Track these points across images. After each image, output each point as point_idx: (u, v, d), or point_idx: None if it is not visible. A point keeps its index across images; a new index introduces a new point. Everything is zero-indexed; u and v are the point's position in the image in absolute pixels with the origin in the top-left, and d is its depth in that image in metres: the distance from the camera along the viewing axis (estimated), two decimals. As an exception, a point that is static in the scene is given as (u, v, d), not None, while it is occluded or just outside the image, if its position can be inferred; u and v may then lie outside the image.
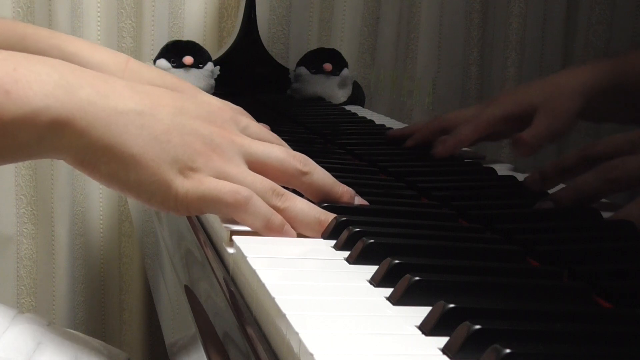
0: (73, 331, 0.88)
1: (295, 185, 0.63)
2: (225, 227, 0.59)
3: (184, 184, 0.58)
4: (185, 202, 0.58)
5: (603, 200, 0.74)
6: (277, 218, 0.59)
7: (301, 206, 0.61)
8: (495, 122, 0.91)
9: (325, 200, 0.64)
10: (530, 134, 0.85)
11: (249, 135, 0.64)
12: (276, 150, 0.63)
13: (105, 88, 0.58)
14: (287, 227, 0.59)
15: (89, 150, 0.57)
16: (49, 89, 0.55)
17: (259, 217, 0.58)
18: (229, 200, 0.58)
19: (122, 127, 0.57)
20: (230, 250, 0.57)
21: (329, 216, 0.60)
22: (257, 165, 0.61)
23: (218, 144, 0.60)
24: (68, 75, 0.57)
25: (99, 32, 1.59)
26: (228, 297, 0.53)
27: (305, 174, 0.63)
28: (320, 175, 0.64)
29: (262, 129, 0.68)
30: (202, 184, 0.58)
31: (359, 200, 0.66)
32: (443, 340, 0.41)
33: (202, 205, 0.59)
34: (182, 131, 0.59)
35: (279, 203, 0.60)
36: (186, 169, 0.58)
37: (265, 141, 0.64)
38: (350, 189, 0.66)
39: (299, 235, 0.60)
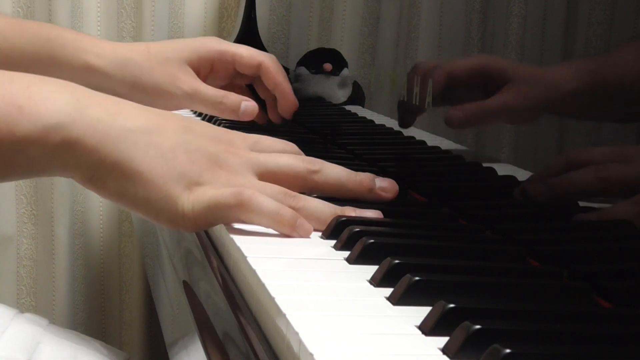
0: (73, 331, 0.88)
1: (310, 186, 0.63)
2: (224, 226, 0.59)
3: (190, 198, 0.58)
4: (192, 216, 0.58)
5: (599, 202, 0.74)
6: (287, 211, 0.58)
7: (315, 204, 0.60)
8: (467, 71, 0.88)
9: (345, 193, 0.63)
10: (470, 109, 0.83)
11: (261, 149, 0.64)
12: (283, 157, 0.63)
13: (114, 107, 0.59)
14: (301, 220, 0.58)
15: (98, 168, 0.57)
16: (60, 106, 0.57)
17: (265, 213, 0.58)
18: (231, 202, 0.57)
19: (131, 145, 0.58)
20: (231, 250, 0.57)
21: (345, 210, 0.61)
22: (268, 176, 0.61)
23: (224, 160, 0.60)
24: (79, 94, 0.59)
25: (99, 32, 1.58)
26: (228, 297, 0.53)
27: (315, 172, 0.63)
28: (332, 170, 0.64)
29: (274, 140, 0.67)
30: (205, 194, 0.58)
31: (380, 182, 0.65)
32: (443, 340, 0.41)
33: (208, 216, 0.58)
34: (188, 148, 0.59)
35: (292, 203, 0.60)
36: (193, 185, 0.58)
37: (278, 151, 0.64)
38: (369, 173, 0.64)
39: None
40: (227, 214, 0.58)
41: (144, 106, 0.62)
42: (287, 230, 0.58)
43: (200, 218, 0.58)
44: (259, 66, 0.91)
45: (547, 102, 0.82)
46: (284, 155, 0.63)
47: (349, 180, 0.64)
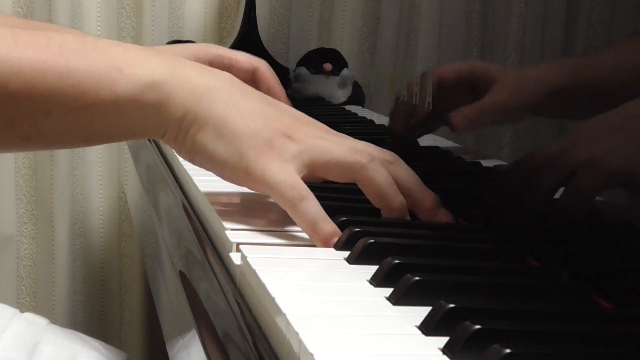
0: (73, 331, 0.88)
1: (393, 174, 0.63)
2: (225, 226, 0.59)
3: (256, 159, 0.60)
4: (253, 175, 0.60)
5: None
6: (328, 226, 0.58)
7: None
8: (455, 75, 0.94)
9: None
10: (468, 111, 0.87)
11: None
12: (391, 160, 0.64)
13: (202, 70, 0.64)
14: (336, 240, 0.58)
15: (182, 123, 0.61)
16: (155, 67, 0.61)
17: (307, 220, 0.58)
18: (287, 195, 0.59)
19: (212, 101, 0.61)
20: (235, 259, 0.57)
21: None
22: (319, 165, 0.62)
23: (298, 130, 0.62)
24: (169, 57, 0.63)
25: (99, 32, 1.58)
26: (228, 297, 0.53)
27: (391, 163, 0.63)
28: (406, 171, 0.64)
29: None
30: (272, 166, 0.60)
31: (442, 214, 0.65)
32: (443, 340, 0.41)
33: (265, 188, 0.60)
34: (267, 116, 0.62)
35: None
36: (263, 146, 0.60)
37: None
38: (404, 205, 0.63)
39: (299, 238, 0.60)
40: (277, 199, 0.60)
41: (234, 77, 0.65)
42: (319, 244, 0.58)
43: (257, 183, 0.61)
44: (254, 71, 0.95)
45: (535, 98, 0.86)
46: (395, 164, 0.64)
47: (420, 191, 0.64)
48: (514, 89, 0.88)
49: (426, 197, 0.64)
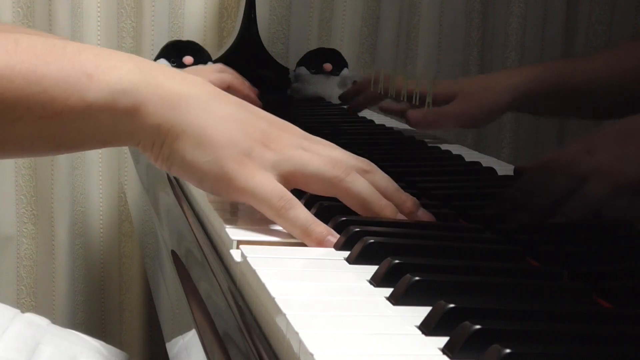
0: (73, 331, 0.88)
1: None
2: (225, 225, 0.59)
3: (238, 170, 0.59)
4: (235, 188, 0.59)
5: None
6: (320, 227, 0.58)
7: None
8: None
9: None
10: (422, 114, 0.99)
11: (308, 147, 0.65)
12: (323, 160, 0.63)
13: (175, 75, 0.62)
14: (331, 238, 0.58)
15: (157, 133, 0.60)
16: (126, 74, 0.59)
17: (297, 225, 0.58)
18: (274, 204, 0.58)
19: (185, 109, 0.60)
20: (235, 256, 0.57)
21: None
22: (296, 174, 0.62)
23: (275, 138, 0.61)
24: (142, 64, 0.61)
25: (99, 32, 1.58)
26: (228, 297, 0.53)
27: (367, 171, 0.63)
28: (383, 177, 0.64)
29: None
30: (254, 176, 0.59)
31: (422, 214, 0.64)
32: (443, 340, 0.41)
33: (250, 199, 0.59)
34: (242, 121, 0.61)
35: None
36: (242, 155, 0.59)
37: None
38: (391, 205, 0.63)
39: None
40: (265, 210, 0.59)
41: (206, 81, 0.64)
42: (314, 245, 0.58)
43: (243, 195, 0.60)
44: (228, 88, 1.05)
45: (491, 110, 0.97)
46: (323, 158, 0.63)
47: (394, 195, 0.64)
48: (472, 102, 0.99)
49: (406, 201, 0.64)
